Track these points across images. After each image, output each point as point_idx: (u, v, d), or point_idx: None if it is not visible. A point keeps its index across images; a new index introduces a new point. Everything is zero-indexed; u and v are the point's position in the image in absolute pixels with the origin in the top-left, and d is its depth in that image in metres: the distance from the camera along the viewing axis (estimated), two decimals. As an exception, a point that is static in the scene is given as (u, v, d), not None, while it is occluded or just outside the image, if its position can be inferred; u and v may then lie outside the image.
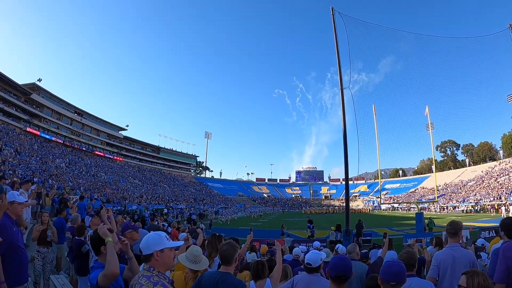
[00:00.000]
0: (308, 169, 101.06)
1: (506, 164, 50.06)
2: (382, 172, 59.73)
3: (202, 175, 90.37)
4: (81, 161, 45.72)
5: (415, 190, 63.88)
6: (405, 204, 52.60)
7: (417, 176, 75.19)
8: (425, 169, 76.36)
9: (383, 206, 56.75)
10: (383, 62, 42.68)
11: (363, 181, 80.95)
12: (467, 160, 69.84)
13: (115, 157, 60.21)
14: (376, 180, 68.92)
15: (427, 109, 29.10)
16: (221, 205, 57.93)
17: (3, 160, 25.44)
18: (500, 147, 64.80)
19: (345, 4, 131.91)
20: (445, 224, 3.08)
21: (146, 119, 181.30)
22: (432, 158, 45.83)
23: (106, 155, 58.18)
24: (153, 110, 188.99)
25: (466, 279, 1.71)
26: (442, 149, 76.69)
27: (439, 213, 42.29)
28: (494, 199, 38.53)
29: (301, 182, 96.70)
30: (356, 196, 73.31)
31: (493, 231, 12.49)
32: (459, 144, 74.26)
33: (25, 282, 2.90)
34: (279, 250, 3.33)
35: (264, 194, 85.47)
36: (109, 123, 63.61)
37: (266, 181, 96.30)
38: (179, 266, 2.75)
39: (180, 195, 55.50)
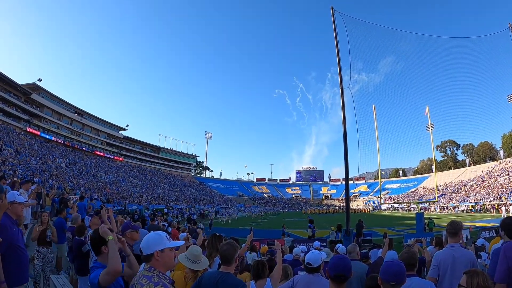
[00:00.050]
0: (308, 169, 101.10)
1: (506, 164, 50.04)
2: (382, 172, 59.69)
3: (202, 175, 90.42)
4: (81, 161, 45.73)
5: (415, 190, 63.88)
6: (405, 204, 52.60)
7: (417, 176, 75.20)
8: (425, 169, 76.35)
9: (383, 206, 56.75)
10: (383, 62, 42.67)
11: (363, 181, 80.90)
12: (467, 160, 69.82)
13: (115, 157, 60.23)
14: (376, 180, 68.88)
15: (427, 109, 29.16)
16: (221, 205, 57.95)
17: (3, 160, 25.45)
18: (500, 147, 64.81)
19: (345, 4, 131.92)
20: (445, 224, 3.08)
21: (146, 119, 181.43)
22: (432, 158, 45.97)
23: (106, 155, 58.19)
24: (153, 110, 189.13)
25: (466, 278, 1.71)
26: (442, 149, 76.68)
27: (439, 213, 42.29)
28: (494, 199, 38.53)
29: (301, 182, 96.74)
30: (356, 196, 73.30)
31: (493, 231, 12.51)
32: (459, 144, 74.38)
33: (25, 282, 2.90)
34: (279, 250, 3.33)
35: (264, 194, 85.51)
36: (109, 123, 63.64)
37: (266, 181, 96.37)
38: (179, 266, 2.75)
39: (180, 195, 55.52)
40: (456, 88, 46.80)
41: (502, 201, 36.21)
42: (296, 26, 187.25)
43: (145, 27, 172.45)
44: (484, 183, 46.96)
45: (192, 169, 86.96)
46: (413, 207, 45.25)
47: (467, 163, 68.22)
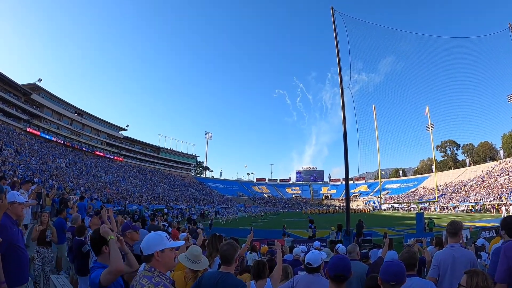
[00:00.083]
0: (308, 169, 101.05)
1: (506, 164, 50.03)
2: (382, 172, 59.62)
3: (202, 175, 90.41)
4: (81, 161, 45.73)
5: (415, 190, 63.88)
6: (405, 204, 52.61)
7: (417, 176, 75.18)
8: (425, 169, 76.35)
9: (383, 206, 56.77)
10: (383, 62, 42.63)
11: (363, 181, 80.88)
12: (467, 160, 69.81)
13: (115, 157, 60.22)
14: (376, 180, 68.83)
15: (427, 109, 29.19)
16: (221, 205, 57.96)
17: (3, 160, 25.45)
18: (500, 147, 64.81)
19: (345, 4, 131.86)
20: (445, 224, 3.08)
21: (146, 119, 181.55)
22: (432, 158, 45.98)
23: (106, 155, 58.17)
24: (153, 110, 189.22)
25: (466, 278, 1.71)
26: (442, 149, 76.68)
27: (439, 213, 42.29)
28: (494, 199, 38.53)
29: (301, 182, 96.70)
30: (356, 196, 73.29)
31: (493, 231, 12.52)
32: (459, 144, 74.37)
33: (25, 282, 2.90)
34: (279, 250, 3.33)
35: (264, 194, 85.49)
36: (109, 123, 63.64)
37: (266, 181, 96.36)
38: (179, 266, 2.75)
39: (180, 195, 55.52)
40: (456, 88, 46.91)
41: (502, 201, 36.21)
42: (296, 26, 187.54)
43: (145, 27, 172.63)
44: (484, 183, 46.96)
45: (192, 169, 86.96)
46: (413, 207, 45.25)
47: (467, 163, 68.21)
